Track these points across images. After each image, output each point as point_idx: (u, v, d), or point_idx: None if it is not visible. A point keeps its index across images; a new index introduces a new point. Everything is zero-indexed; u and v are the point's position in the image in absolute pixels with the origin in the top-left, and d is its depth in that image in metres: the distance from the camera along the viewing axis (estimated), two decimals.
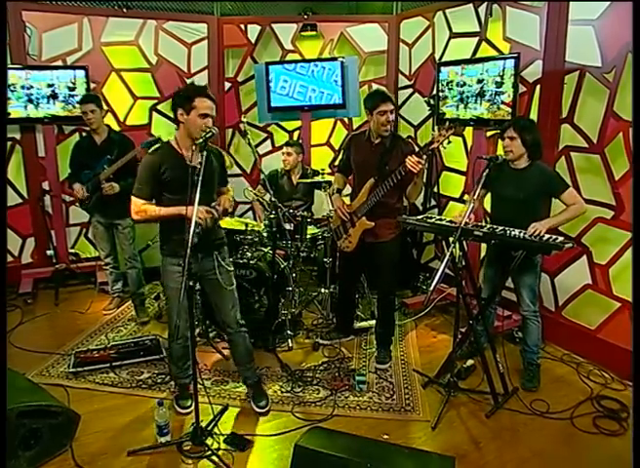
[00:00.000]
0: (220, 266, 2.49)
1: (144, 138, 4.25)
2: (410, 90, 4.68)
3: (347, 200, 3.19)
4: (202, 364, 3.13)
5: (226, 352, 3.27)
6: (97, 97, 3.64)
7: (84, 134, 4.29)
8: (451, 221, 2.81)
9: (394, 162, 2.81)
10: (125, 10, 4.46)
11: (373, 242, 3.01)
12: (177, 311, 2.38)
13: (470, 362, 3.08)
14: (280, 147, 5.07)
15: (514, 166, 2.80)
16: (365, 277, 3.77)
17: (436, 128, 2.72)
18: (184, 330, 2.43)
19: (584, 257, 3.22)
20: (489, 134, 3.70)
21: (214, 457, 2.30)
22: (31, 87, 4.02)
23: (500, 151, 3.47)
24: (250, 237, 3.61)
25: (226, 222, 3.79)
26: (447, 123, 2.69)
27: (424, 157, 2.65)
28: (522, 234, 2.54)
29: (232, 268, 2.64)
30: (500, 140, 2.84)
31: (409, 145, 2.92)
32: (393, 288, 3.17)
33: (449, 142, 2.65)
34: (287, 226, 3.46)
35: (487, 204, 3.16)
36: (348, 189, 3.30)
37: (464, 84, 3.56)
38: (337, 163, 5.11)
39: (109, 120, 4.38)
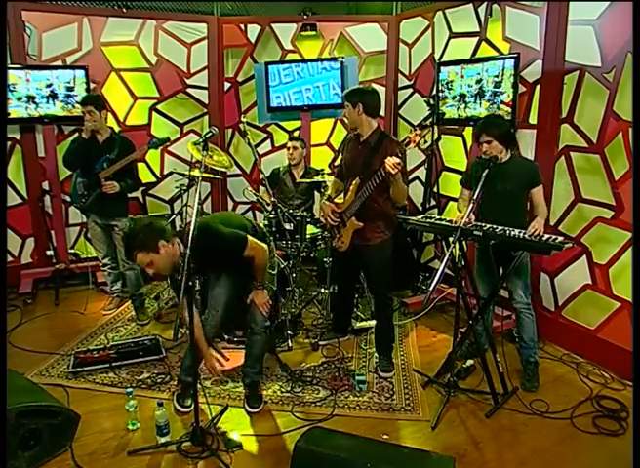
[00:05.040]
0: None
1: (144, 139, 4.27)
2: (409, 90, 4.68)
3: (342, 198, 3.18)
4: (202, 366, 3.12)
5: (226, 352, 3.27)
6: (96, 99, 3.59)
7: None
8: (450, 221, 2.82)
9: (377, 161, 2.71)
10: (125, 10, 4.46)
11: (361, 244, 2.96)
12: (177, 311, 2.40)
13: (470, 362, 3.08)
14: (280, 147, 5.10)
15: (498, 161, 2.80)
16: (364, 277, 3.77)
17: (414, 129, 2.69)
18: (216, 323, 2.62)
19: (584, 257, 3.22)
20: None
21: (213, 457, 2.30)
22: (34, 97, 4.05)
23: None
24: None
25: None
26: (421, 122, 2.66)
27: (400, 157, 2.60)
28: (522, 234, 2.54)
29: (274, 271, 2.77)
30: (479, 146, 2.83)
31: (394, 144, 2.77)
32: (386, 290, 3.09)
33: (425, 142, 2.63)
34: (287, 226, 3.46)
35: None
36: None
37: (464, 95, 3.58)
38: (336, 163, 5.16)
39: (109, 120, 4.38)
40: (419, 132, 2.61)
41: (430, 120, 2.68)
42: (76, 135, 4.24)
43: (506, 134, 2.77)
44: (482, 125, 2.83)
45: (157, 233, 2.28)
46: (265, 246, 2.54)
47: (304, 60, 4.62)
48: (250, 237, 2.47)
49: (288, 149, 4.15)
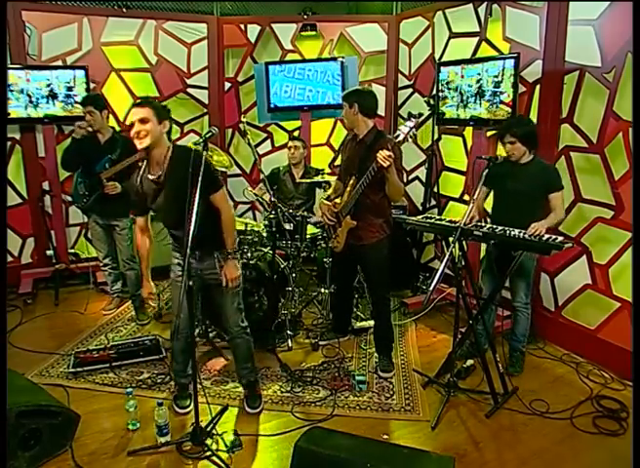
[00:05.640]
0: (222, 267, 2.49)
1: None
2: (410, 90, 4.68)
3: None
4: (202, 364, 3.13)
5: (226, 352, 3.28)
6: (96, 99, 3.58)
7: None
8: (451, 221, 2.82)
9: (372, 159, 2.70)
10: (125, 10, 4.46)
11: (356, 244, 2.95)
12: (176, 309, 2.37)
13: (470, 362, 3.08)
14: (280, 147, 5.10)
15: (517, 161, 2.81)
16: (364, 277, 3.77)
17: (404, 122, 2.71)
18: (186, 327, 2.44)
19: (584, 257, 3.22)
20: (489, 134, 3.70)
21: (213, 457, 2.30)
22: (30, 95, 4.05)
23: (499, 151, 3.49)
24: (250, 237, 3.60)
25: None
26: (409, 112, 2.67)
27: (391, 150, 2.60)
28: (522, 234, 2.54)
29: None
30: (500, 145, 2.85)
31: (388, 142, 2.73)
32: (383, 291, 3.08)
33: (414, 135, 2.65)
34: (287, 226, 3.46)
35: (487, 205, 3.16)
36: None
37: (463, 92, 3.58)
38: (336, 164, 5.16)
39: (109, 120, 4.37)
40: (409, 124, 2.61)
41: (419, 112, 2.68)
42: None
43: (530, 135, 2.76)
44: (506, 125, 2.84)
45: (169, 118, 2.46)
46: (232, 206, 2.51)
47: (311, 60, 4.64)
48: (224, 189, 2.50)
49: (289, 149, 4.16)
